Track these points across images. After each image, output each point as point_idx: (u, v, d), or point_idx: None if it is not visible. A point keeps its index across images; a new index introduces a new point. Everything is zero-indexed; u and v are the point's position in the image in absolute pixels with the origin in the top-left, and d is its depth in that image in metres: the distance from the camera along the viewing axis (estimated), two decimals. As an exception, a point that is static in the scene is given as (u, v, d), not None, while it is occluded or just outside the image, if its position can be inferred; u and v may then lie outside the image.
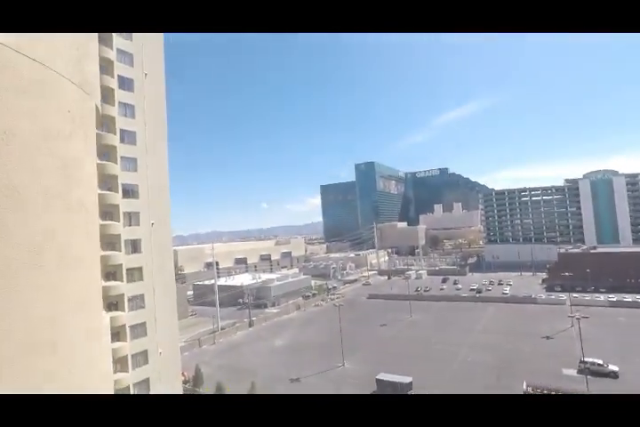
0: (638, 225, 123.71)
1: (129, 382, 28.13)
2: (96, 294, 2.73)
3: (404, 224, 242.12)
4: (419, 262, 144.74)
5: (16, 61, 1.86)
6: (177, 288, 38.44)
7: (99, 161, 26.74)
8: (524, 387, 35.30)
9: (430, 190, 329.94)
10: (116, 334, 27.78)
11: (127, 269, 29.63)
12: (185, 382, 39.66)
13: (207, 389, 40.67)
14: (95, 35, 2.76)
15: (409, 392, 37.60)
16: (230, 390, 39.68)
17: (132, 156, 31.42)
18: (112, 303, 28.07)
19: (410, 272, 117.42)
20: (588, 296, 74.16)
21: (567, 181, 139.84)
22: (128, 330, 28.99)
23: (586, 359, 39.45)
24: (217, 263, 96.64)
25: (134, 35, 31.87)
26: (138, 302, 30.71)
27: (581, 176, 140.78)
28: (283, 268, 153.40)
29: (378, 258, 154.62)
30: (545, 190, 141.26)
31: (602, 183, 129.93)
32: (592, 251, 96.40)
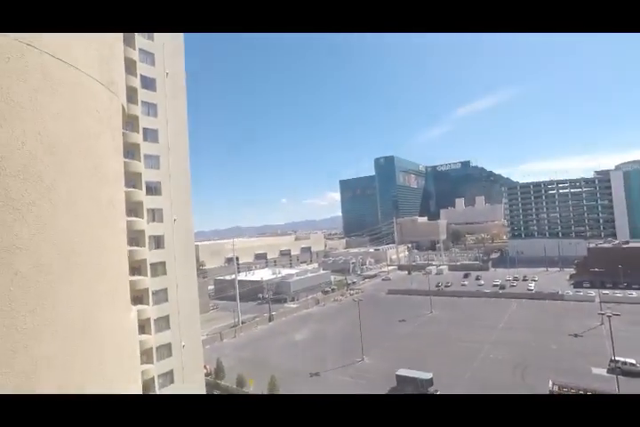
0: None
1: (154, 373, 29.16)
2: (124, 289, 2.80)
3: (424, 219, 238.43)
4: (439, 257, 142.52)
5: (45, 63, 1.91)
6: (198, 283, 39.37)
7: (124, 159, 27.56)
8: (550, 386, 34.33)
9: (452, 184, 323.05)
10: (141, 327, 28.76)
11: (151, 264, 30.55)
12: (207, 375, 40.71)
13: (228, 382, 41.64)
14: (121, 34, 2.80)
15: (429, 389, 37.27)
16: (252, 382, 40.57)
17: (155, 153, 32.19)
18: (137, 297, 29.04)
19: (430, 267, 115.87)
20: (619, 293, 70.92)
21: (598, 172, 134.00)
22: (152, 323, 29.97)
23: (617, 358, 37.96)
24: (237, 258, 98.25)
25: (155, 34, 32.47)
26: (161, 296, 31.65)
27: (613, 168, 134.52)
28: (302, 263, 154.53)
29: (397, 253, 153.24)
30: (573, 183, 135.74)
31: (636, 174, 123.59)
32: (624, 246, 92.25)
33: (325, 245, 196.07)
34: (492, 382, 38.32)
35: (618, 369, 36.40)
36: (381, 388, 38.89)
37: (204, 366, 40.14)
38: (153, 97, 32.34)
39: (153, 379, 29.04)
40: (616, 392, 32.44)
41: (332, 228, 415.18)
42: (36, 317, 1.81)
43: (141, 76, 31.30)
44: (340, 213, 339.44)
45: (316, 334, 60.94)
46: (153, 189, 31.76)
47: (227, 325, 67.94)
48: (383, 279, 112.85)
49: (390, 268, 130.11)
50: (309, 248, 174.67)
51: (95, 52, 2.31)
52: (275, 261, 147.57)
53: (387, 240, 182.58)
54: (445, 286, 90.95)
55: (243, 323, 67.29)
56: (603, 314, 43.18)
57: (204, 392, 35.06)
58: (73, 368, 1.99)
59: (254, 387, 40.20)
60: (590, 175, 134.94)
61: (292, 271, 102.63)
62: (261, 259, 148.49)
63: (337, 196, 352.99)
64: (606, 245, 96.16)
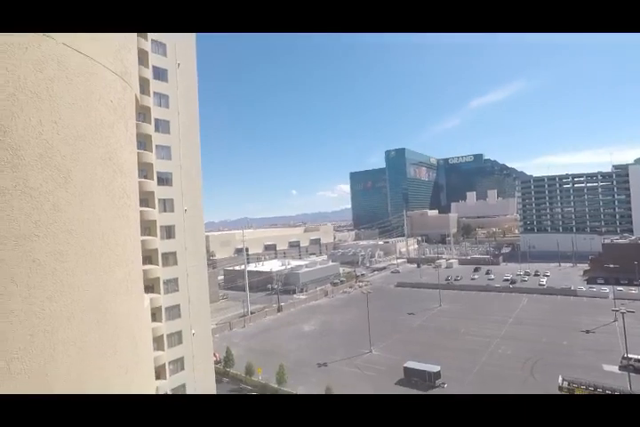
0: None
1: (165, 360, 29.87)
2: (138, 277, 2.85)
3: (434, 212, 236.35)
4: (449, 251, 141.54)
5: (61, 53, 1.92)
6: (208, 273, 39.90)
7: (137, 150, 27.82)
8: (560, 381, 34.12)
9: (463, 177, 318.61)
10: (153, 314, 29.35)
11: (162, 254, 31.00)
12: (216, 363, 41.53)
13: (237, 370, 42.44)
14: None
15: (437, 381, 37.43)
16: (261, 371, 41.30)
17: (167, 144, 32.41)
18: (148, 286, 29.62)
19: (440, 261, 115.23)
20: (634, 290, 69.64)
21: (616, 166, 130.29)
22: (164, 311, 30.58)
23: (629, 355, 37.45)
24: (247, 249, 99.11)
25: (167, 24, 32.34)
26: (172, 285, 32.21)
27: (632, 161, 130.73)
28: (311, 254, 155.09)
29: (407, 246, 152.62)
30: (590, 177, 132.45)
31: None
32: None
33: (335, 237, 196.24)
34: (500, 376, 38.26)
35: (630, 366, 35.96)
36: (389, 380, 39.21)
37: (214, 355, 40.97)
38: (165, 88, 32.42)
39: (164, 365, 29.75)
40: (628, 389, 32.11)
41: (343, 220, 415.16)
42: (54, 303, 1.86)
43: (153, 66, 31.33)
44: (350, 206, 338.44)
45: (325, 325, 61.51)
46: (164, 180, 32.07)
47: (236, 314, 69.00)
48: (392, 272, 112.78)
49: (399, 261, 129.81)
50: (319, 240, 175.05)
51: (109, 43, 2.31)
52: (284, 253, 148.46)
53: (396, 233, 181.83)
54: (455, 280, 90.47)
55: (252, 313, 68.24)
56: (616, 311, 42.51)
57: (213, 380, 35.83)
58: (89, 353, 2.04)
59: (262, 376, 40.95)
60: (607, 169, 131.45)
61: (302, 263, 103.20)
62: (271, 250, 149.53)
63: (348, 188, 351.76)
64: (622, 241, 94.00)
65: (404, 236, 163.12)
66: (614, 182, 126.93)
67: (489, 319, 58.30)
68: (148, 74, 30.32)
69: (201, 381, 33.55)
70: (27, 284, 1.75)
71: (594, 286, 75.86)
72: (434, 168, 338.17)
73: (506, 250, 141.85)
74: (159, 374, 29.28)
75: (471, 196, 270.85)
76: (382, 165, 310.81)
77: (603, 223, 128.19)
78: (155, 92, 31.46)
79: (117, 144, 2.38)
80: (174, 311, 32.13)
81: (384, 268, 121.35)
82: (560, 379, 34.42)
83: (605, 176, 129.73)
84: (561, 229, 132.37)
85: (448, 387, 36.75)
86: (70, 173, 1.96)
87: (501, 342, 48.10)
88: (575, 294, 70.52)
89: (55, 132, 1.89)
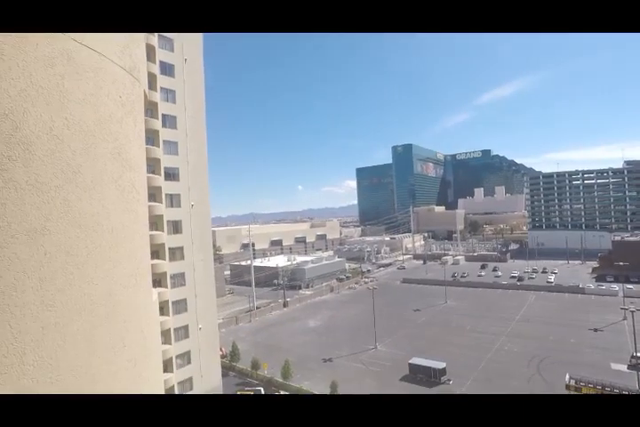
0: None
1: (172, 353, 30.30)
2: (146, 271, 2.88)
3: (441, 208, 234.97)
4: (456, 247, 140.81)
5: (71, 48, 1.93)
6: (215, 268, 40.23)
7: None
8: (567, 380, 33.90)
9: (471, 173, 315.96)
10: (160, 309, 29.74)
11: (169, 249, 31.32)
12: (222, 357, 42.02)
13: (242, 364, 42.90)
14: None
15: (442, 378, 37.47)
16: (267, 366, 41.68)
17: (174, 140, 32.58)
18: (155, 280, 29.98)
19: (446, 257, 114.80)
20: (644, 288, 68.87)
21: (628, 162, 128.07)
22: (171, 305, 30.96)
23: (639, 354, 37.09)
24: (253, 245, 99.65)
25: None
26: (179, 279, 32.56)
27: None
28: (317, 250, 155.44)
29: (413, 242, 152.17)
30: (600, 173, 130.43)
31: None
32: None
33: (341, 233, 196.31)
34: (506, 373, 38.17)
35: (639, 365, 35.61)
36: (394, 376, 39.36)
37: (220, 349, 41.41)
38: (172, 83, 32.51)
39: (171, 359, 30.20)
40: (637, 389, 31.85)
41: (349, 216, 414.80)
42: (65, 296, 1.89)
43: (160, 61, 31.42)
44: (357, 202, 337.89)
45: (330, 320, 61.80)
46: (171, 175, 32.30)
47: (242, 309, 69.59)
48: (398, 268, 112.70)
49: (405, 257, 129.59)
50: (325, 236, 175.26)
51: (118, 38, 2.32)
52: (290, 248, 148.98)
53: (402, 229, 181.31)
54: (461, 277, 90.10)
55: (258, 308, 68.76)
56: (626, 309, 42.06)
57: (219, 373, 36.28)
58: (98, 346, 2.08)
59: (268, 370, 41.35)
60: (618, 165, 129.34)
61: (308, 258, 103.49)
62: (277, 245, 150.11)
63: (354, 184, 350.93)
64: (633, 239, 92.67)
65: (410, 232, 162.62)
66: (626, 179, 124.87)
67: (495, 316, 58.09)
68: (156, 69, 30.41)
69: (207, 375, 34.00)
70: (38, 277, 1.78)
71: (603, 283, 75.03)
72: (441, 164, 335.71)
73: (513, 247, 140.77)
74: (166, 367, 29.73)
75: (479, 192, 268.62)
76: (389, 160, 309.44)
77: (613, 220, 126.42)
78: (162, 88, 31.59)
79: (126, 139, 2.39)
80: (181, 305, 32.52)
81: (390, 264, 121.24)
82: (567, 377, 34.20)
83: (616, 172, 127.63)
84: (570, 226, 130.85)
85: (453, 384, 36.81)
86: (80, 167, 1.98)
87: (508, 340, 47.93)
88: (583, 292, 69.83)
89: (66, 128, 1.91)
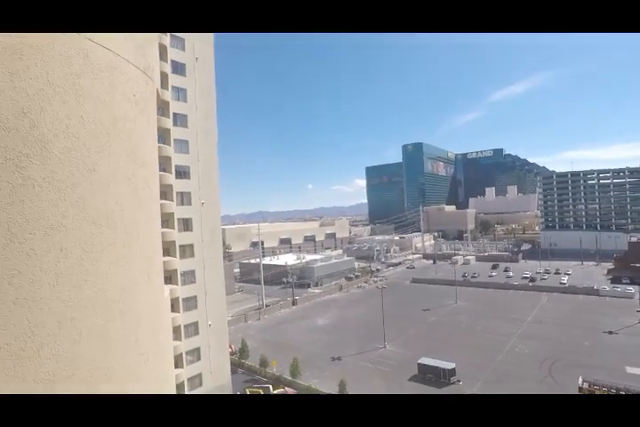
0: None
1: (182, 349, 30.69)
2: (159, 268, 2.91)
3: (452, 207, 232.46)
4: (467, 247, 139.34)
5: (86, 48, 1.96)
6: (224, 265, 40.53)
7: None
8: (580, 382, 33.23)
9: (482, 172, 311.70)
10: (171, 306, 30.13)
11: (180, 246, 31.67)
12: (232, 354, 42.37)
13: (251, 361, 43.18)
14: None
15: (452, 378, 37.16)
16: (275, 364, 41.91)
17: (184, 138, 32.88)
18: (166, 277, 30.33)
19: (457, 257, 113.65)
20: (661, 290, 67.03)
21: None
22: (181, 302, 31.34)
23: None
24: (262, 243, 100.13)
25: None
26: (189, 276, 32.91)
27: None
28: (326, 249, 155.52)
29: (423, 241, 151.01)
30: (616, 173, 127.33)
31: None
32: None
33: (350, 232, 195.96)
34: (517, 375, 37.66)
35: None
36: (403, 375, 39.19)
37: (230, 346, 41.78)
38: (183, 82, 32.79)
39: (181, 355, 30.58)
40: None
41: (358, 214, 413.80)
42: (80, 292, 1.92)
43: (172, 60, 31.70)
44: (366, 200, 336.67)
45: (339, 319, 61.79)
46: (182, 173, 32.63)
47: (251, 307, 70.02)
48: (407, 267, 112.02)
49: (415, 256, 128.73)
50: (334, 234, 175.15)
51: (132, 37, 2.35)
52: (299, 247, 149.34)
53: (412, 228, 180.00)
54: (472, 277, 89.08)
55: (267, 306, 69.12)
56: (641, 311, 41.09)
57: (229, 370, 36.59)
58: (112, 341, 2.12)
59: (277, 368, 41.57)
60: (636, 165, 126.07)
61: (317, 257, 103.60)
62: (286, 244, 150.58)
63: (363, 182, 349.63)
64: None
65: (420, 231, 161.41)
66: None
67: (506, 317, 57.30)
68: (167, 68, 30.70)
69: (217, 371, 34.34)
70: (55, 273, 1.81)
71: (618, 285, 73.27)
72: (452, 163, 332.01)
73: (525, 247, 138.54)
74: (177, 363, 30.11)
75: (490, 191, 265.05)
76: (399, 159, 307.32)
77: (630, 221, 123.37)
78: (173, 86, 31.89)
79: (139, 138, 2.42)
80: (191, 302, 32.87)
81: (399, 263, 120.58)
82: (580, 380, 33.51)
83: (633, 172, 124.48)
84: (584, 226, 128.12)
85: (463, 384, 36.48)
86: (95, 165, 2.01)
87: (519, 341, 47.26)
88: (598, 294, 68.29)
89: (81, 126, 1.95)
